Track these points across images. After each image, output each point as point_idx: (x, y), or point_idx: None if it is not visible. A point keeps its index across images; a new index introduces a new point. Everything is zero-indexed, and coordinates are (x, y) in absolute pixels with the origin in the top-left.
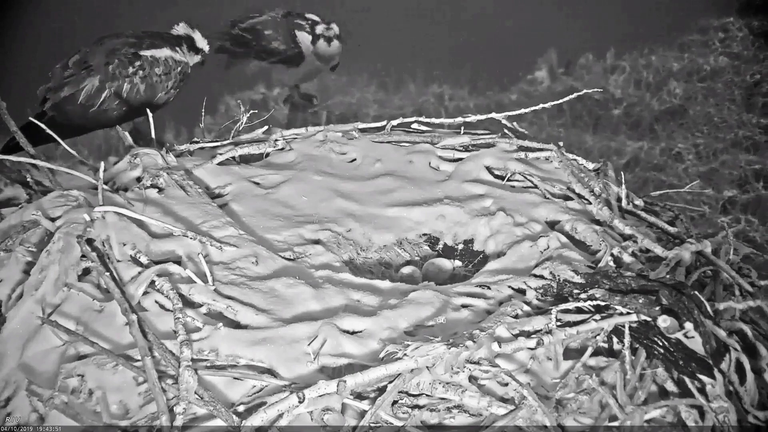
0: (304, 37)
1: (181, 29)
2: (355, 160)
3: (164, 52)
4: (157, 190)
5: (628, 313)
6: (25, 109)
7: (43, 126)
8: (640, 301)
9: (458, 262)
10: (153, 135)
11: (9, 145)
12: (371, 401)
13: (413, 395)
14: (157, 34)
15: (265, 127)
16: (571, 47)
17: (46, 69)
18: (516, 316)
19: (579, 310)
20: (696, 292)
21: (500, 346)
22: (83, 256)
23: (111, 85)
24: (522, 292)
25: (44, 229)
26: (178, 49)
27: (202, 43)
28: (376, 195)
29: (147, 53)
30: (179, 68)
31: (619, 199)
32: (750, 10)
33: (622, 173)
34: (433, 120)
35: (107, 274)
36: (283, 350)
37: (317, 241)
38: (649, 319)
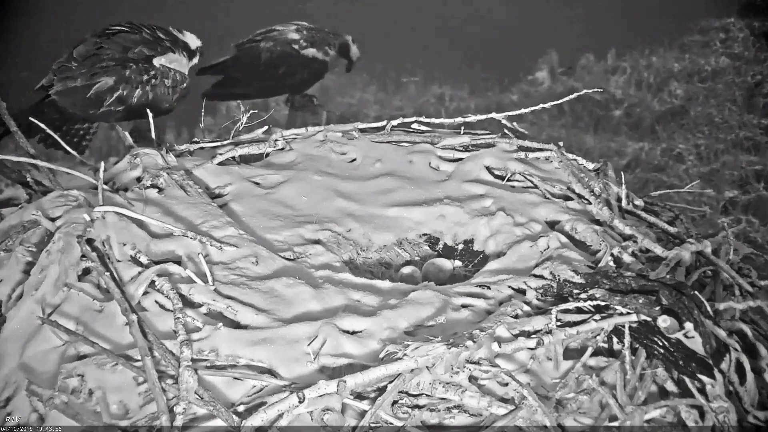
0: (354, 50)
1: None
2: (355, 160)
3: (173, 57)
4: (157, 190)
5: (628, 313)
6: (24, 109)
7: (39, 124)
8: (640, 301)
9: (458, 262)
10: (153, 135)
11: None
12: (371, 401)
13: (413, 395)
14: (166, 36)
15: (265, 127)
16: (572, 48)
17: (45, 69)
18: (516, 316)
19: (579, 310)
20: (696, 292)
21: (500, 346)
22: (83, 256)
23: (125, 87)
24: (522, 292)
25: (44, 229)
26: (184, 53)
27: (196, 42)
28: (376, 195)
29: (159, 62)
30: (184, 84)
31: (619, 199)
32: (751, 11)
33: (622, 173)
34: (433, 120)
35: (107, 274)
36: (283, 350)
37: (317, 241)
38: (649, 319)
